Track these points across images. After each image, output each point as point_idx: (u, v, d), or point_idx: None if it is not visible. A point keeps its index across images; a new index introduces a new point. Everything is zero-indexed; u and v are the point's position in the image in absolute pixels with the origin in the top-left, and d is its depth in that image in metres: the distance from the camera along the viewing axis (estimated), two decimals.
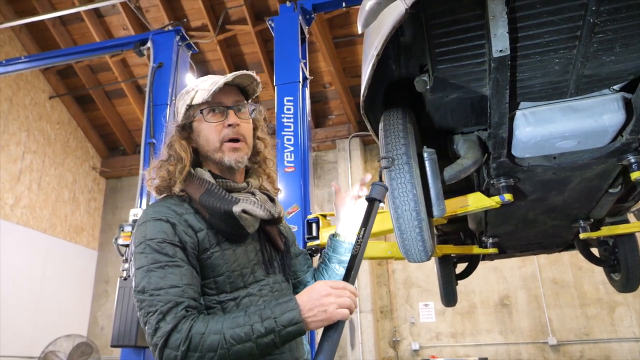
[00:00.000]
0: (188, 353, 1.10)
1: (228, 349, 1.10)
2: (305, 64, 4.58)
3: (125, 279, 3.54)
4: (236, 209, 1.27)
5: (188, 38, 5.08)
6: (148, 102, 4.53)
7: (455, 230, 4.05)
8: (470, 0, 1.70)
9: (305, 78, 4.47)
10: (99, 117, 10.46)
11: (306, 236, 3.64)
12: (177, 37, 4.92)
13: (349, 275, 1.24)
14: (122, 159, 10.80)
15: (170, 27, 5.25)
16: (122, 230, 3.70)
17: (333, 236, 1.62)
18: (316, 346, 1.16)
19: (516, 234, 3.72)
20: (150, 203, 4.12)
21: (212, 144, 1.36)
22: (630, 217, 3.80)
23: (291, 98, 4.19)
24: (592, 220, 3.42)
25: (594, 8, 1.67)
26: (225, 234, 1.29)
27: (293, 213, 3.72)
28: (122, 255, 3.76)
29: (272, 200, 1.44)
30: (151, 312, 1.15)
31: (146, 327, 1.16)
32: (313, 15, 4.89)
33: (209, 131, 1.36)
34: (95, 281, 10.27)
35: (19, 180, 8.87)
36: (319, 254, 3.73)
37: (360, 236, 1.29)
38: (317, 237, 3.57)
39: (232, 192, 1.35)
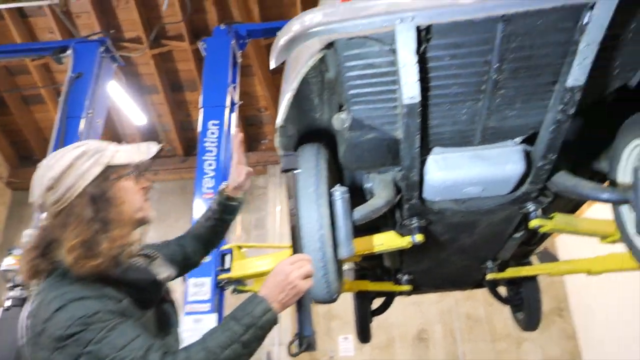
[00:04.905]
0: None
1: (217, 357, 1.15)
2: (234, 88, 4.52)
3: (7, 309, 3.19)
4: (161, 275, 1.32)
5: (114, 50, 4.87)
6: (61, 113, 4.26)
7: (372, 265, 4.08)
8: (383, 46, 1.73)
9: (233, 103, 4.41)
10: (11, 122, 9.71)
11: (218, 268, 3.52)
12: (102, 48, 4.70)
13: (297, 246, 1.40)
14: (33, 170, 10.04)
15: (96, 37, 5.02)
16: (10, 254, 3.36)
17: (228, 200, 1.75)
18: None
19: (430, 272, 3.81)
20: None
21: (135, 204, 1.35)
22: (534, 259, 4.00)
23: (217, 122, 4.09)
24: (499, 261, 3.57)
25: (496, 66, 1.76)
26: (139, 303, 1.27)
27: None
28: (7, 282, 3.41)
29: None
30: None
31: None
32: (247, 41, 4.87)
33: (133, 192, 1.35)
34: None
35: None
36: (231, 287, 3.61)
37: (292, 207, 1.44)
38: (229, 270, 3.46)
39: (132, 257, 1.34)
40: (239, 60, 4.80)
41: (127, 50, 8.22)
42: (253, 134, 9.67)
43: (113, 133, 9.64)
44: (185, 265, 1.73)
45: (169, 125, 9.58)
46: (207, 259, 3.64)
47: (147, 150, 1.39)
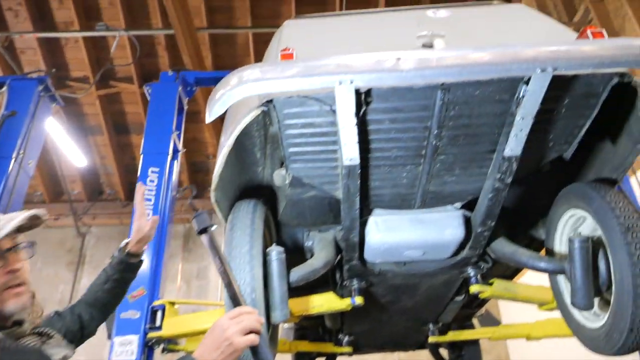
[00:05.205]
0: None
1: None
2: (179, 135, 4.38)
3: None
4: (57, 357, 1.18)
5: (53, 89, 4.66)
6: None
7: (312, 325, 3.93)
8: (323, 106, 1.69)
9: (176, 150, 4.26)
10: None
11: (148, 325, 3.26)
12: (40, 87, 4.48)
13: (237, 299, 1.28)
14: None
15: (35, 75, 4.80)
16: None
17: (130, 257, 1.66)
18: None
19: (371, 333, 3.71)
20: None
21: None
22: (476, 322, 3.98)
23: (157, 169, 3.92)
24: (440, 324, 3.52)
25: (436, 132, 1.75)
26: None
27: (137, 297, 3.33)
28: None
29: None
30: None
31: None
32: (194, 88, 4.79)
33: None
34: None
35: None
36: (160, 346, 3.35)
37: (220, 264, 1.33)
38: (159, 328, 3.22)
39: (23, 338, 1.19)
40: (185, 107, 4.70)
41: (72, 90, 7.97)
42: (200, 181, 9.45)
43: (52, 174, 9.19)
44: (82, 335, 1.57)
45: (111, 168, 9.24)
46: (136, 315, 3.42)
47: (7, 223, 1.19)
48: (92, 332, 1.63)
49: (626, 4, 4.55)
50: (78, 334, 1.54)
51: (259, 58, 7.87)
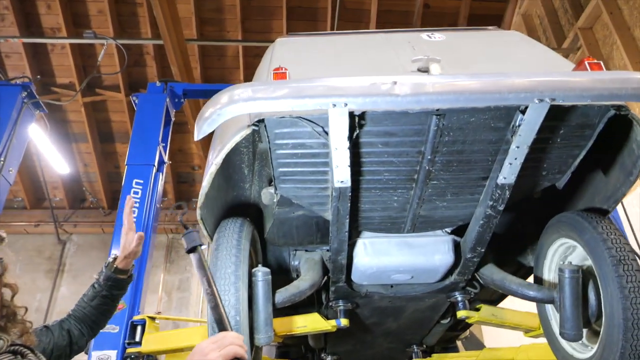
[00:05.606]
0: None
1: None
2: (164, 147, 4.31)
3: None
4: None
5: (37, 96, 4.55)
6: None
7: (296, 343, 3.85)
8: (315, 128, 1.66)
9: (162, 162, 4.18)
10: None
11: (127, 340, 3.15)
12: (24, 94, 4.38)
13: (223, 324, 1.25)
14: None
15: (19, 81, 4.69)
16: None
17: (117, 273, 1.63)
18: None
19: (354, 354, 3.65)
20: None
21: None
22: (460, 344, 3.94)
23: (141, 181, 3.83)
24: (424, 346, 3.48)
25: (429, 157, 1.73)
26: None
27: (117, 311, 3.22)
28: None
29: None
30: None
31: None
32: (182, 100, 4.72)
33: None
34: None
35: None
36: None
37: (207, 286, 1.28)
38: (139, 343, 3.12)
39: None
40: (173, 119, 4.63)
41: (57, 96, 7.84)
42: (184, 192, 9.33)
43: (34, 180, 9.00)
44: (71, 351, 1.55)
45: (95, 175, 9.08)
46: (115, 329, 3.31)
47: None
48: (81, 348, 1.60)
49: (615, 32, 4.61)
50: (67, 349, 1.51)
51: (248, 71, 7.83)
